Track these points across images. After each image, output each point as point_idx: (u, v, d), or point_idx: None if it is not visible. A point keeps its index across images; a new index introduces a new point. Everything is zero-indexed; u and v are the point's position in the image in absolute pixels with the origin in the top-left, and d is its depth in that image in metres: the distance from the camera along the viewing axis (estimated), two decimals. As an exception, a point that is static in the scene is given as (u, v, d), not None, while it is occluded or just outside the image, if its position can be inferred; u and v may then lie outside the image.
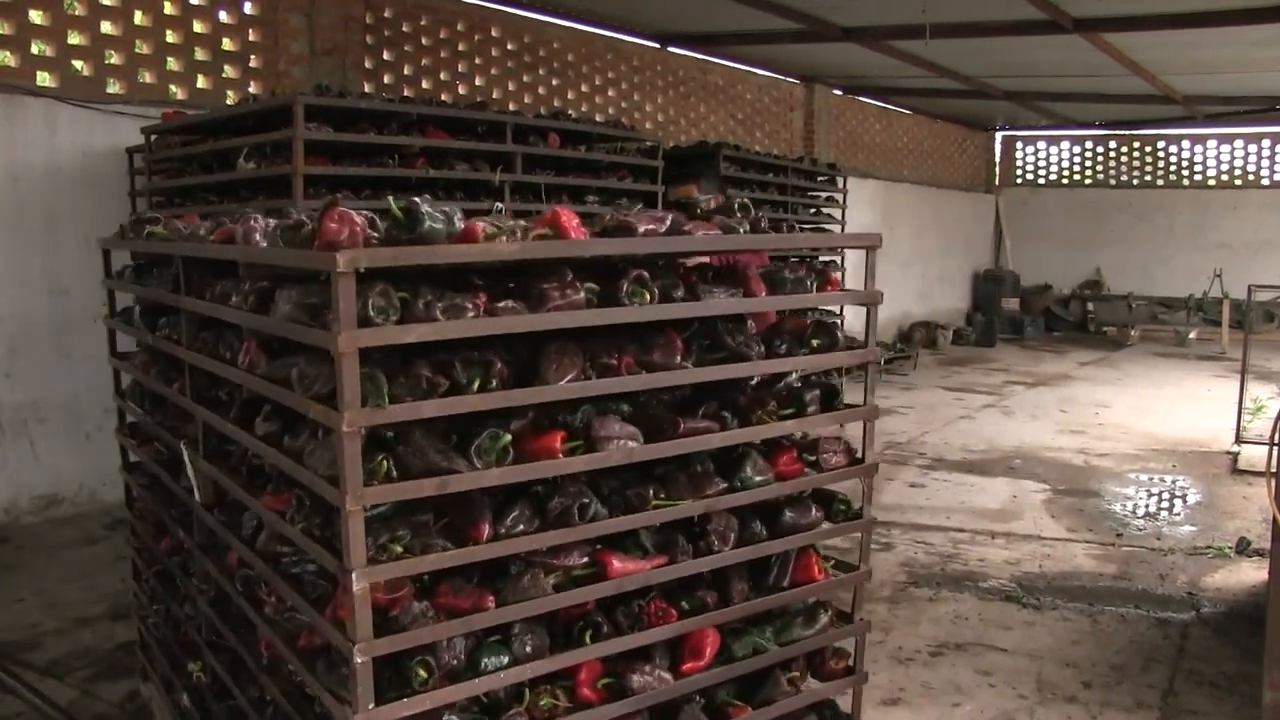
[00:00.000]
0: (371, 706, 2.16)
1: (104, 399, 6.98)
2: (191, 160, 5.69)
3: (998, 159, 21.18)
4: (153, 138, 6.08)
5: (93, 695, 4.33)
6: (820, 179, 9.56)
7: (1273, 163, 19.16)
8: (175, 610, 3.63)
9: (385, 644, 2.18)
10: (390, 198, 2.25)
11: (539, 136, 5.71)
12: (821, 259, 9.65)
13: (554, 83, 10.63)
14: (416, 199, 2.23)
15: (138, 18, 7.31)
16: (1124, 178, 20.26)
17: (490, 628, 2.39)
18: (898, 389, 12.73)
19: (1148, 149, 19.98)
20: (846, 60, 12.85)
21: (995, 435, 9.81)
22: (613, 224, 2.50)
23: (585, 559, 2.51)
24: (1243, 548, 6.17)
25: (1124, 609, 5.30)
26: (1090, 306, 19.54)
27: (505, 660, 2.38)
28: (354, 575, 2.11)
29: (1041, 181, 21.04)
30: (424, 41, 9.30)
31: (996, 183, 21.09)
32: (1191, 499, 7.64)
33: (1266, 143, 19.08)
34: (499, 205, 5.33)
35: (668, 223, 2.55)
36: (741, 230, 2.77)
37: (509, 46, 10.12)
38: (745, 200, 3.03)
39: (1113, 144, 20.22)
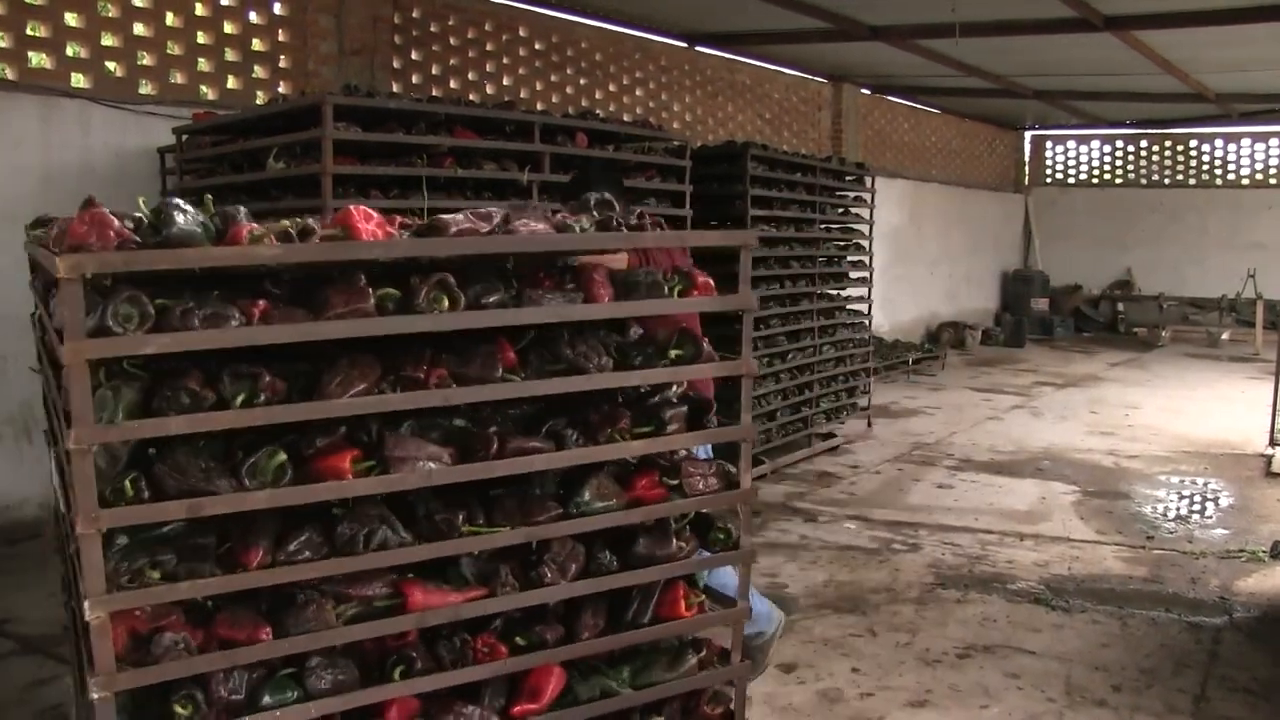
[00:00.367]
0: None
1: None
2: (222, 160, 5.73)
3: (1027, 158, 21.03)
4: (184, 138, 6.12)
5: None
6: (848, 179, 9.51)
7: (1308, 162, 18.94)
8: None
9: (128, 678, 2.02)
10: (141, 199, 2.15)
11: (567, 136, 5.71)
12: (851, 257, 9.63)
13: (582, 82, 10.64)
14: (172, 200, 2.10)
15: (169, 19, 7.37)
16: (1155, 177, 20.06)
17: (287, 660, 2.24)
18: (925, 389, 12.67)
19: (1180, 148, 19.77)
20: (874, 59, 12.78)
21: (1024, 436, 9.74)
22: (425, 225, 2.36)
23: (387, 589, 2.35)
24: (1277, 552, 6.10)
25: (1154, 612, 5.25)
26: (1120, 307, 19.37)
27: (294, 696, 2.23)
28: (87, 604, 1.96)
29: (1071, 181, 20.88)
30: (452, 41, 9.32)
31: (1026, 182, 20.94)
32: (1224, 502, 7.56)
33: (1302, 141, 18.86)
34: (531, 205, 5.34)
35: (495, 221, 2.39)
36: (578, 228, 2.54)
37: (537, 46, 10.13)
38: (607, 196, 2.80)
39: (1144, 143, 20.04)
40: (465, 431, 2.48)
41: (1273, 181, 19.14)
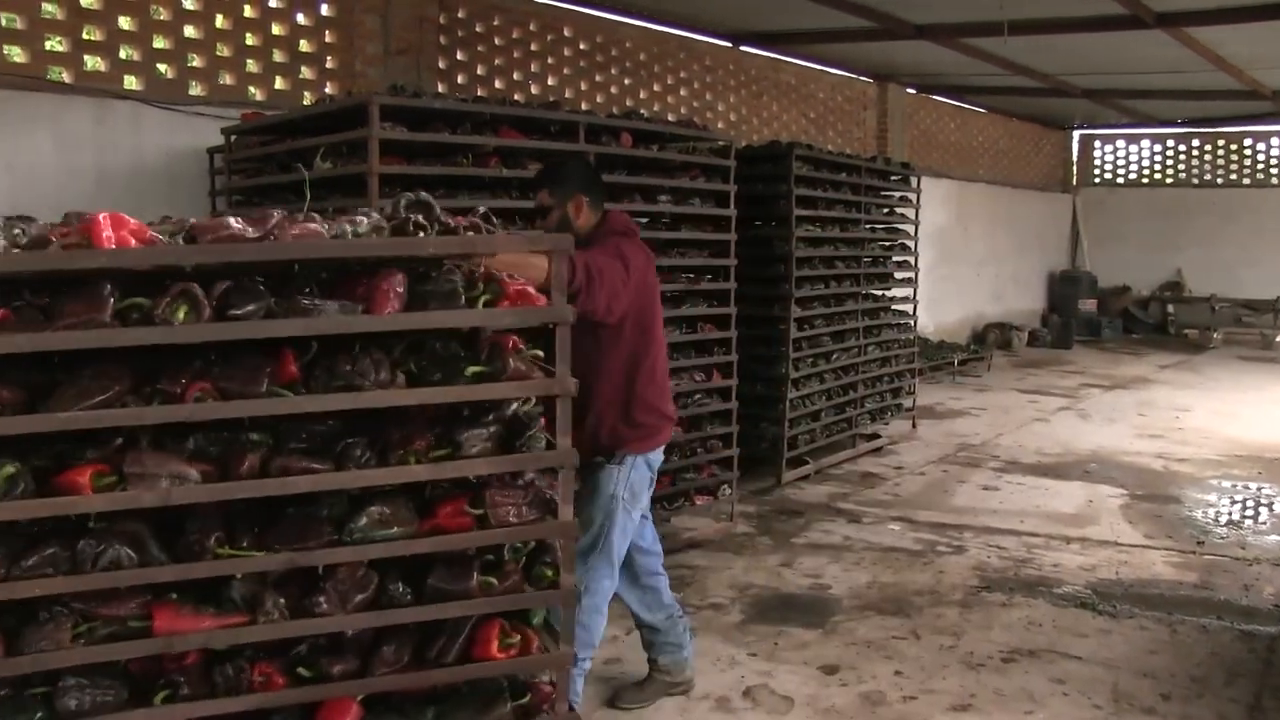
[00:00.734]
0: None
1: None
2: (270, 160, 5.79)
3: (1075, 158, 20.75)
4: (232, 138, 6.19)
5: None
6: (893, 178, 9.45)
7: (1366, 161, 18.55)
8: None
9: None
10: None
11: (611, 136, 5.71)
12: (896, 258, 9.57)
13: (626, 82, 10.64)
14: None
15: (219, 21, 7.47)
16: (1208, 177, 19.72)
17: (46, 678, 2.19)
18: (971, 390, 12.56)
19: (1234, 147, 19.43)
20: (920, 58, 12.69)
21: (1071, 438, 9.63)
22: (186, 231, 2.30)
23: (138, 610, 2.25)
24: (1331, 558, 5.99)
25: (1205, 619, 5.16)
26: (1170, 308, 19.09)
27: (38, 716, 2.17)
28: None
29: (1120, 181, 20.58)
30: (497, 41, 9.36)
31: (1074, 182, 20.67)
32: (1278, 507, 7.43)
33: (1360, 140, 18.48)
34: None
35: (269, 225, 2.29)
36: (352, 232, 2.41)
37: (581, 46, 10.15)
38: (424, 197, 2.64)
39: (1196, 142, 19.71)
40: (226, 449, 2.37)
41: (1330, 181, 18.77)
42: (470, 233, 2.62)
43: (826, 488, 7.82)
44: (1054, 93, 15.03)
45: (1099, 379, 13.67)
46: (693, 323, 6.29)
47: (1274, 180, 19.19)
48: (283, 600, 2.36)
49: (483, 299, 2.49)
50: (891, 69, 13.91)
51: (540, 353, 2.63)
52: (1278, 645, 4.87)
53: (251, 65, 7.68)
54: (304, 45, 8.01)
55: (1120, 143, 20.51)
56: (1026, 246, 18.82)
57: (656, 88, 11.03)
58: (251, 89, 7.74)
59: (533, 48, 9.67)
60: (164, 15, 7.17)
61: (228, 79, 7.57)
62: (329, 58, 8.15)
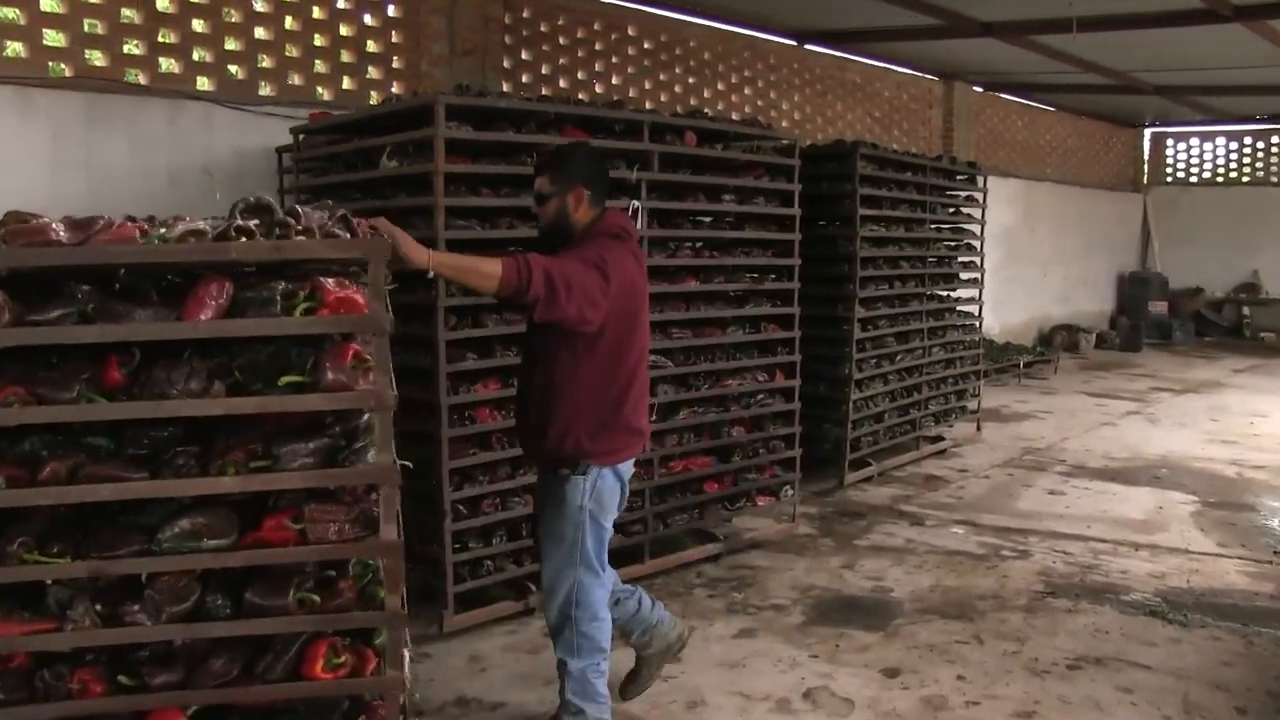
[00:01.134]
0: None
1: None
2: (337, 159, 5.86)
3: (1146, 156, 20.34)
4: (301, 137, 6.28)
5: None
6: (959, 178, 9.34)
7: None
8: None
9: None
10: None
11: (676, 135, 5.71)
12: (961, 258, 9.46)
13: (690, 81, 10.64)
14: None
15: (288, 22, 7.59)
16: (1287, 175, 19.24)
17: None
18: (1037, 393, 12.38)
19: (1314, 144, 18.92)
20: (987, 56, 12.52)
21: (1139, 443, 9.45)
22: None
23: None
24: None
25: (1281, 630, 5.04)
26: (1246, 311, 18.64)
27: None
28: None
29: (1194, 180, 20.13)
30: (561, 41, 9.41)
31: (1144, 181, 20.27)
32: (1356, 516, 7.23)
33: None
34: (635, 203, 5.35)
35: (94, 229, 2.29)
36: (157, 239, 2.36)
37: (645, 45, 10.17)
38: (264, 201, 2.57)
39: (1275, 139, 19.21)
40: (52, 453, 2.38)
41: None
42: (300, 237, 2.52)
43: (889, 490, 7.75)
44: (1125, 90, 14.75)
45: (1170, 383, 13.40)
46: (756, 322, 6.27)
47: (1356, 179, 18.67)
48: (98, 607, 2.36)
49: (301, 307, 2.41)
50: (958, 67, 13.75)
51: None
52: (1356, 658, 4.74)
53: (320, 66, 7.80)
54: (371, 46, 8.11)
55: (1194, 140, 20.06)
56: (1095, 247, 18.49)
57: (721, 87, 11.01)
58: (319, 89, 7.85)
59: (597, 47, 9.70)
60: (235, 18, 7.31)
61: (296, 79, 7.69)
62: (395, 58, 8.25)
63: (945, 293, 9.18)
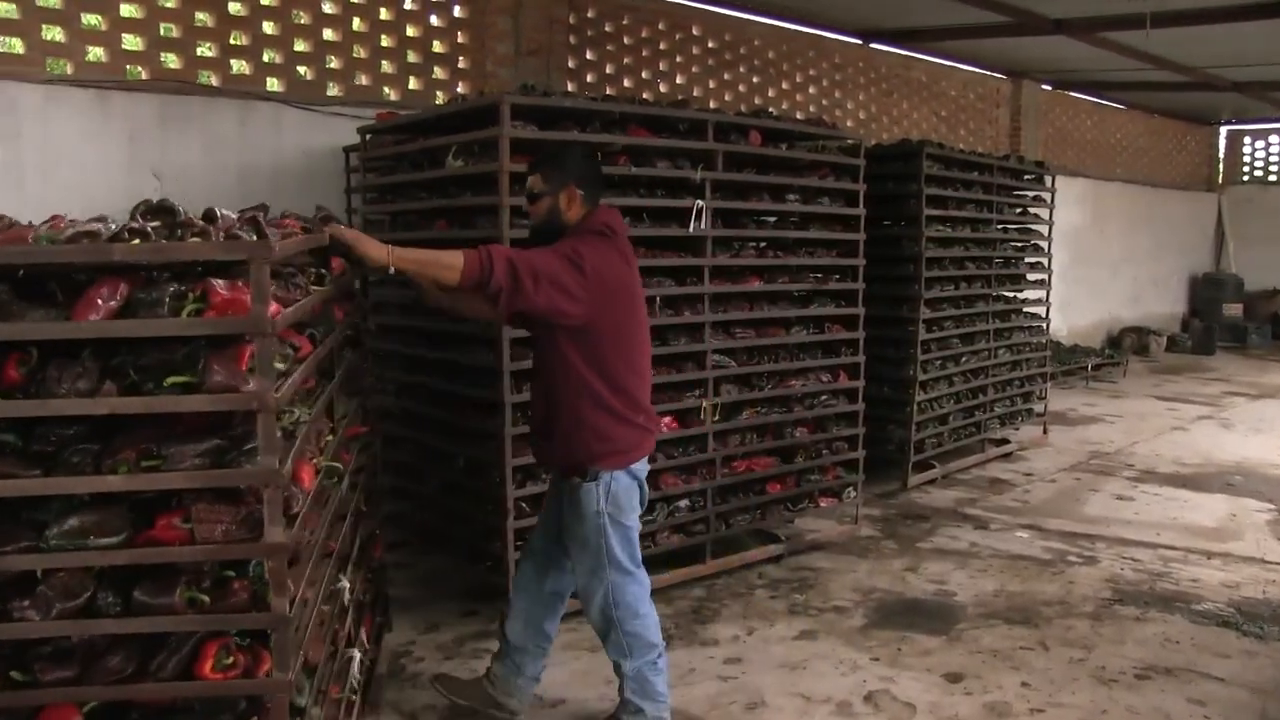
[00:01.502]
0: None
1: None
2: (403, 158, 5.93)
3: (1221, 155, 19.88)
4: (367, 137, 6.36)
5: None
6: (1027, 177, 9.21)
7: None
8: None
9: None
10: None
11: (740, 134, 5.70)
12: (1028, 259, 9.33)
13: (754, 80, 10.61)
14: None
15: (356, 24, 7.70)
16: (1370, 174, 18.68)
17: None
18: (1105, 396, 12.18)
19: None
20: (1057, 54, 12.33)
21: (1212, 449, 9.25)
22: None
23: None
24: None
25: (1362, 644, 4.90)
26: (1326, 314, 18.17)
27: None
28: None
29: (1272, 178, 19.62)
30: (626, 41, 9.43)
31: (1219, 180, 19.81)
32: None
33: None
34: (699, 203, 5.36)
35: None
36: (46, 240, 2.39)
37: (710, 45, 10.16)
38: (166, 204, 2.63)
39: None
40: None
41: None
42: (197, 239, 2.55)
43: (953, 492, 7.67)
44: (1200, 87, 14.43)
45: (1244, 387, 13.09)
46: (820, 323, 6.24)
47: None
48: None
49: (187, 309, 2.43)
50: (1026, 65, 13.55)
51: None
52: None
53: (386, 66, 7.90)
54: (437, 46, 8.20)
55: (1273, 138, 19.54)
56: (1166, 248, 18.12)
57: (785, 86, 10.97)
58: (386, 89, 7.95)
59: (661, 46, 9.71)
60: (304, 19, 7.43)
61: (363, 80, 7.79)
62: (461, 58, 8.32)
63: (1012, 294, 9.07)
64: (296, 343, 2.88)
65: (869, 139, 8.63)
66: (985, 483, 8.00)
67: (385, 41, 7.89)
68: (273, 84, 7.30)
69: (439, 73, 8.21)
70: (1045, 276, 9.46)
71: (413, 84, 8.03)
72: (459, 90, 8.25)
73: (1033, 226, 9.37)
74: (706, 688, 4.40)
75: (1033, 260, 9.41)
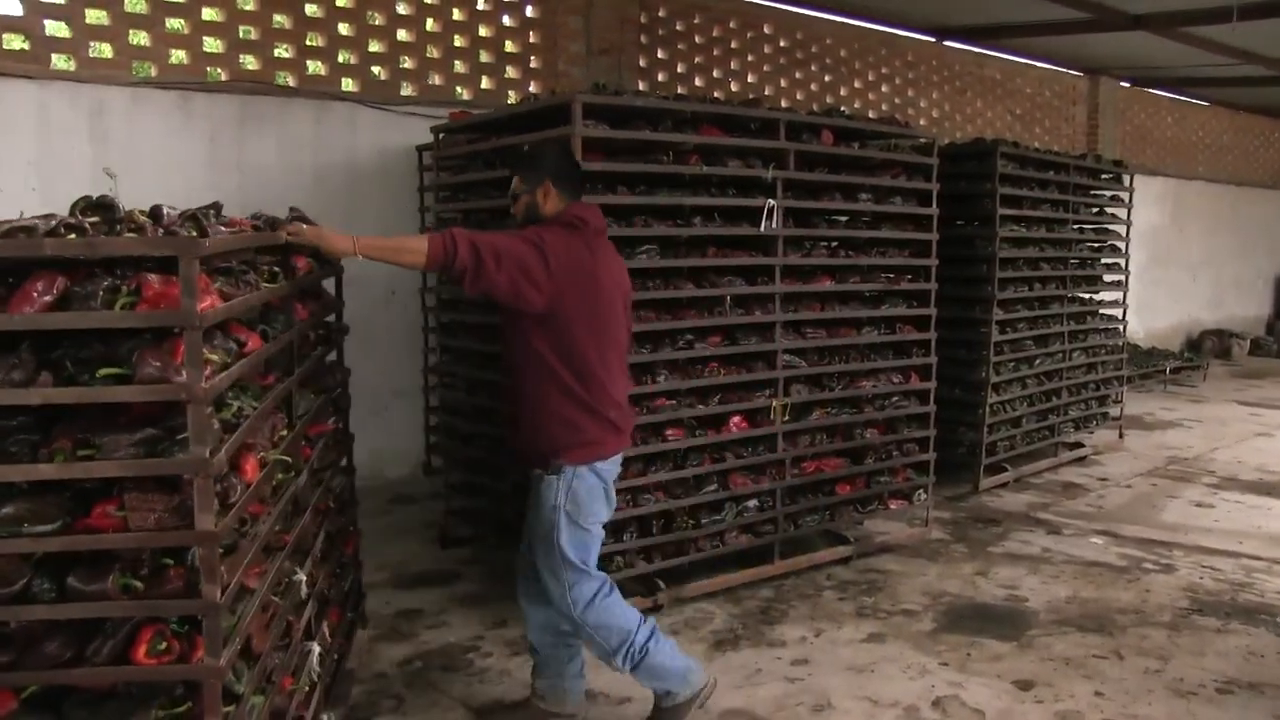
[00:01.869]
0: None
1: (395, 381, 7.51)
2: (476, 157, 5.98)
3: (1311, 153, 19.32)
4: (441, 136, 6.44)
5: (376, 654, 4.67)
6: (1104, 177, 9.03)
7: None
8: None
9: None
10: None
11: (812, 133, 5.66)
12: (1105, 260, 9.15)
13: (826, 79, 10.56)
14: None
15: (429, 24, 7.81)
16: None
17: None
18: (1184, 400, 11.90)
19: None
20: (1136, 50, 12.09)
21: (1298, 456, 9.00)
22: None
23: None
24: None
25: None
26: None
27: None
28: None
29: (1365, 177, 19.04)
30: (697, 40, 9.44)
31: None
32: None
33: None
34: (771, 202, 5.34)
35: None
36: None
37: (781, 43, 10.13)
38: (106, 200, 2.64)
39: None
40: None
41: None
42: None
43: (1025, 496, 7.56)
44: (1288, 82, 14.06)
45: (1331, 392, 12.72)
46: (891, 323, 6.18)
47: None
48: None
49: (120, 302, 2.46)
50: (1104, 62, 13.30)
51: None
52: None
53: (459, 66, 7.99)
54: (509, 46, 8.27)
55: (1364, 136, 18.94)
56: (1250, 249, 17.67)
57: (857, 84, 10.90)
58: (459, 89, 8.05)
59: (732, 45, 9.70)
60: (379, 20, 7.55)
61: (437, 79, 7.89)
62: (533, 58, 8.39)
63: (1087, 295, 8.90)
64: (243, 338, 2.93)
65: (942, 138, 8.54)
66: (1058, 487, 7.87)
67: (458, 41, 7.99)
68: (348, 84, 7.42)
69: (511, 72, 8.28)
70: (1122, 278, 9.27)
71: (485, 83, 8.11)
72: (531, 89, 8.32)
73: (1110, 227, 9.19)
74: (773, 688, 4.39)
75: (1109, 261, 9.22)
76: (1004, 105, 12.70)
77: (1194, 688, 4.41)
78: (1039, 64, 13.16)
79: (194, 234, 2.64)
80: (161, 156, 6.54)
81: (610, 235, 4.91)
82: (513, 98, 8.13)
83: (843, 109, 8.59)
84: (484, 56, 8.13)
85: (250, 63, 6.98)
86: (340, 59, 7.41)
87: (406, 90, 7.74)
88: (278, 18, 7.09)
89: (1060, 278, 8.29)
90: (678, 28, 9.26)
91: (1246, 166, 17.68)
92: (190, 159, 6.68)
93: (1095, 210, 9.04)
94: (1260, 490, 7.79)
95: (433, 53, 7.85)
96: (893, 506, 6.26)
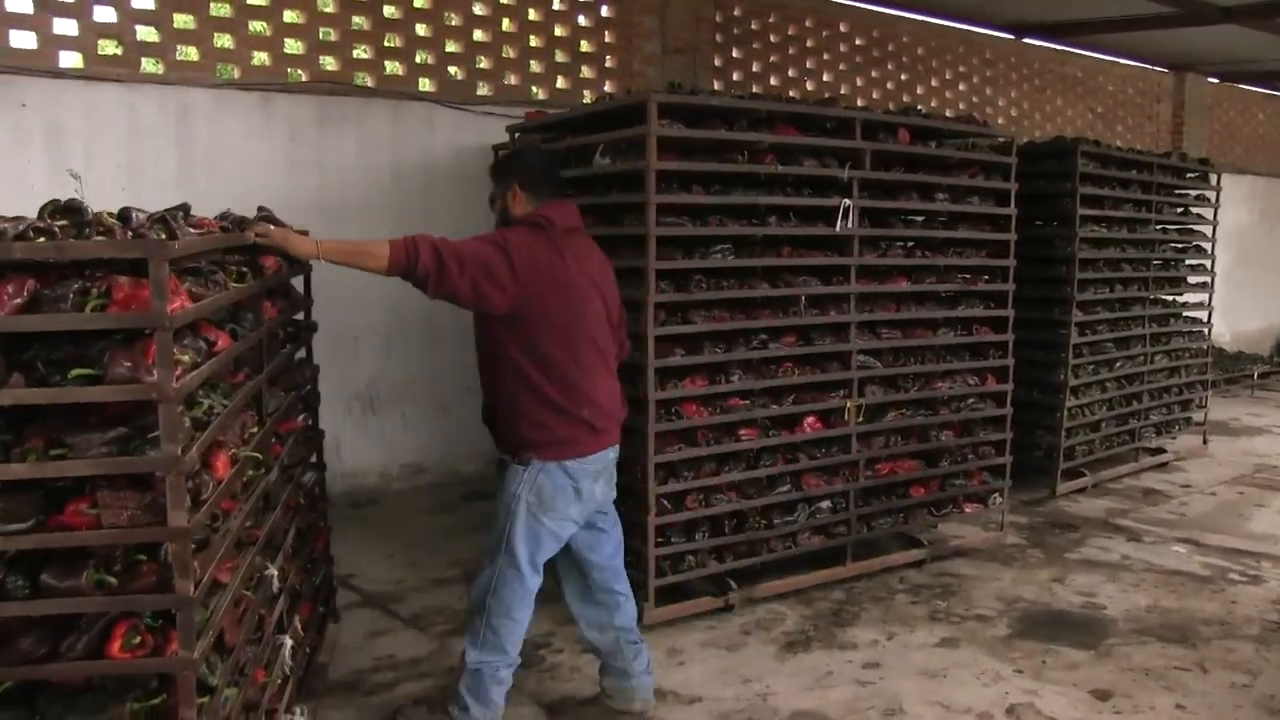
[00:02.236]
0: None
1: (465, 378, 7.57)
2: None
3: None
4: (517, 135, 6.48)
5: (447, 650, 4.72)
6: (1189, 176, 8.81)
7: None
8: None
9: None
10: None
11: (889, 132, 5.61)
12: (1189, 261, 8.94)
13: (902, 77, 10.45)
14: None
15: (505, 24, 7.87)
16: None
17: None
18: (1272, 406, 11.57)
19: None
20: (1225, 44, 11.77)
21: (1394, 465, 8.70)
22: None
23: None
24: None
25: None
26: None
27: None
28: None
29: None
30: (772, 39, 9.40)
31: None
32: None
33: None
34: (846, 202, 5.30)
35: None
36: None
37: (857, 42, 10.05)
38: (74, 203, 2.69)
39: None
40: None
41: None
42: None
43: (1104, 502, 7.41)
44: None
45: None
46: (968, 324, 6.10)
47: None
48: None
49: (90, 304, 2.47)
50: (1191, 57, 12.98)
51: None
52: None
53: (535, 66, 8.04)
54: (584, 46, 8.31)
55: None
56: (1343, 250, 17.10)
57: (934, 83, 10.78)
58: (535, 88, 8.10)
59: (808, 44, 9.65)
60: (455, 21, 7.63)
61: (513, 79, 7.95)
62: (608, 57, 8.42)
63: (1171, 297, 8.69)
64: (212, 337, 2.96)
65: (1021, 136, 8.40)
66: (1139, 493, 7.70)
67: (534, 41, 8.04)
68: (425, 84, 7.51)
69: (586, 72, 8.32)
70: (1207, 279, 9.04)
71: (560, 83, 8.16)
72: (606, 89, 8.35)
73: (1194, 227, 8.97)
74: (844, 691, 4.36)
75: (1194, 262, 9.00)
76: (1085, 103, 12.46)
77: (1282, 702, 4.29)
78: (1122, 61, 12.88)
79: (163, 236, 2.69)
80: (243, 157, 6.68)
81: (685, 235, 4.95)
82: (588, 97, 8.17)
83: (919, 108, 8.49)
84: (559, 56, 8.17)
85: (330, 64, 7.09)
86: (418, 59, 7.51)
87: (483, 90, 7.81)
88: (356, 19, 7.20)
89: (1142, 279, 8.11)
90: (753, 26, 9.23)
91: (1340, 165, 17.11)
92: (271, 159, 6.81)
93: (1180, 210, 8.83)
94: (1352, 499, 7.55)
95: (509, 53, 7.91)
96: (967, 510, 6.18)
